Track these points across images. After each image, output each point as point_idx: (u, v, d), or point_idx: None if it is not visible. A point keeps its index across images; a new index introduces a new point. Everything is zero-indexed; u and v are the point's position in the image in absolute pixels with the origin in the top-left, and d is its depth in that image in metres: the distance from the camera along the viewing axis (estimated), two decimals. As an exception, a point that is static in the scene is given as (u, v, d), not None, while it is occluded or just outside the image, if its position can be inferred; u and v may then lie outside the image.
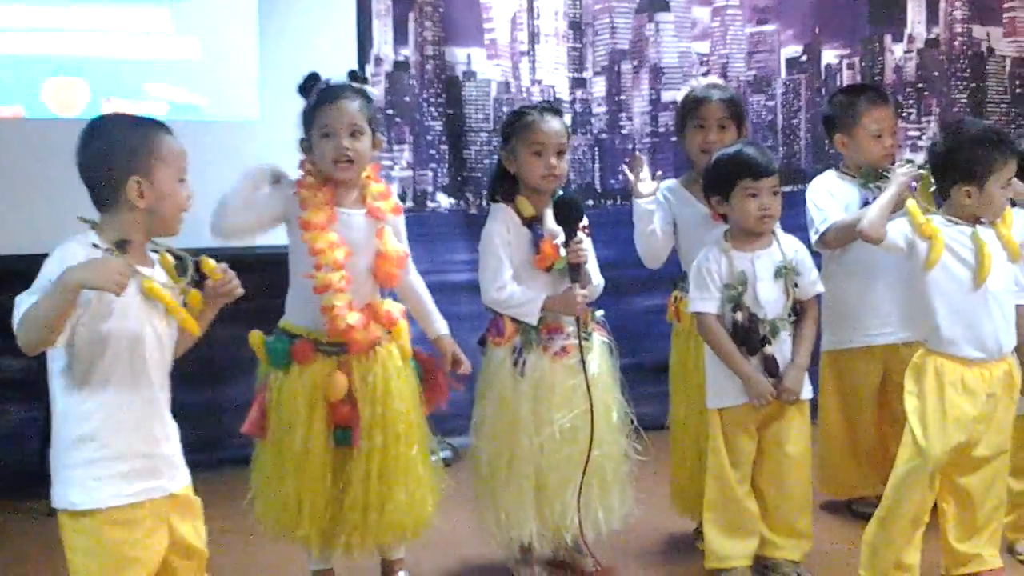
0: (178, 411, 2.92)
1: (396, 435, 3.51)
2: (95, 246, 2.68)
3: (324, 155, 3.47)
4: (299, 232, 3.47)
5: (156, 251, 2.86)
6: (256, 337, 3.55)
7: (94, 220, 2.77)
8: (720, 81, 4.70)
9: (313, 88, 3.54)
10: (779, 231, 3.83)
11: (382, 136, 3.66)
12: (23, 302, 2.54)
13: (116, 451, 2.67)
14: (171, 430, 2.84)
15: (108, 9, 5.01)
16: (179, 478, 2.82)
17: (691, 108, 4.07)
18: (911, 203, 3.54)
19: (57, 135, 4.95)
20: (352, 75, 3.64)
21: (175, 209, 2.80)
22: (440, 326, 3.78)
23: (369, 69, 5.61)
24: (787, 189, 4.07)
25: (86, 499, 2.65)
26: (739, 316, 3.69)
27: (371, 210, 3.57)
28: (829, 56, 6.46)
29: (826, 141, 6.31)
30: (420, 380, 3.68)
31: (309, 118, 3.51)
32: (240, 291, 2.87)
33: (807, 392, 3.78)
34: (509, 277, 3.70)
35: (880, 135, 4.29)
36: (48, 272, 2.59)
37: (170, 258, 2.85)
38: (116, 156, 2.76)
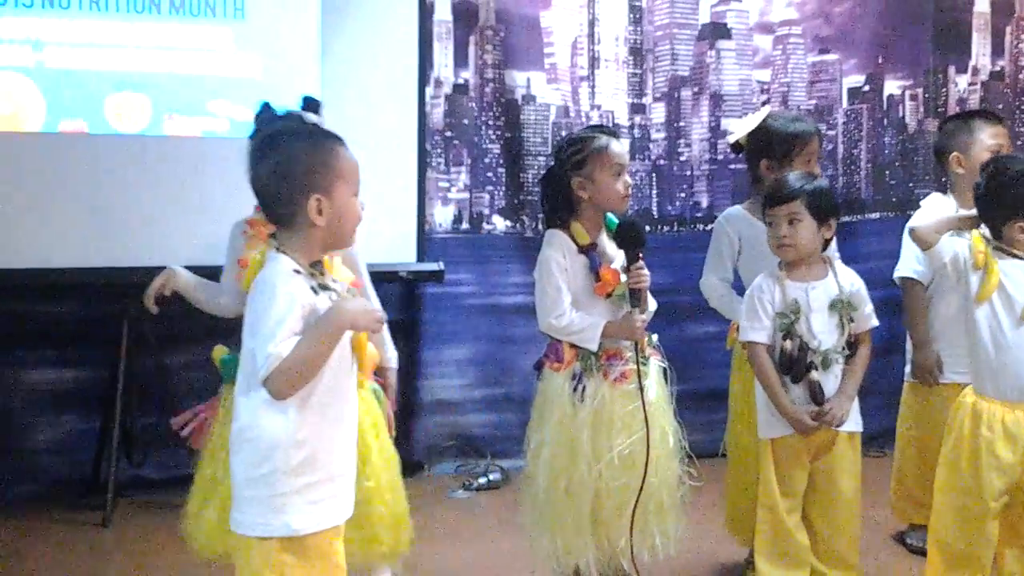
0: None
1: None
2: (297, 272, 2.61)
3: None
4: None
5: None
6: (217, 351, 3.65)
7: (276, 241, 2.68)
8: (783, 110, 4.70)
9: (262, 118, 3.54)
10: (837, 263, 3.80)
11: None
12: (275, 353, 2.48)
13: (328, 473, 2.65)
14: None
15: (171, 26, 5.06)
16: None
17: (800, 142, 4.08)
18: (978, 232, 3.51)
19: (119, 150, 5.05)
20: (307, 101, 3.73)
21: (352, 224, 2.73)
22: (391, 358, 3.84)
23: (429, 91, 5.63)
24: (846, 219, 4.05)
25: (307, 523, 2.61)
26: (788, 344, 3.67)
27: None
28: (892, 87, 6.41)
29: (886, 171, 6.36)
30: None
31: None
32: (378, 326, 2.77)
33: (856, 425, 3.74)
34: (568, 304, 3.68)
35: (999, 151, 4.26)
36: (280, 313, 2.52)
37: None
38: (295, 173, 2.64)
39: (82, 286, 5.09)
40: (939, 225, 3.59)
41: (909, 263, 4.36)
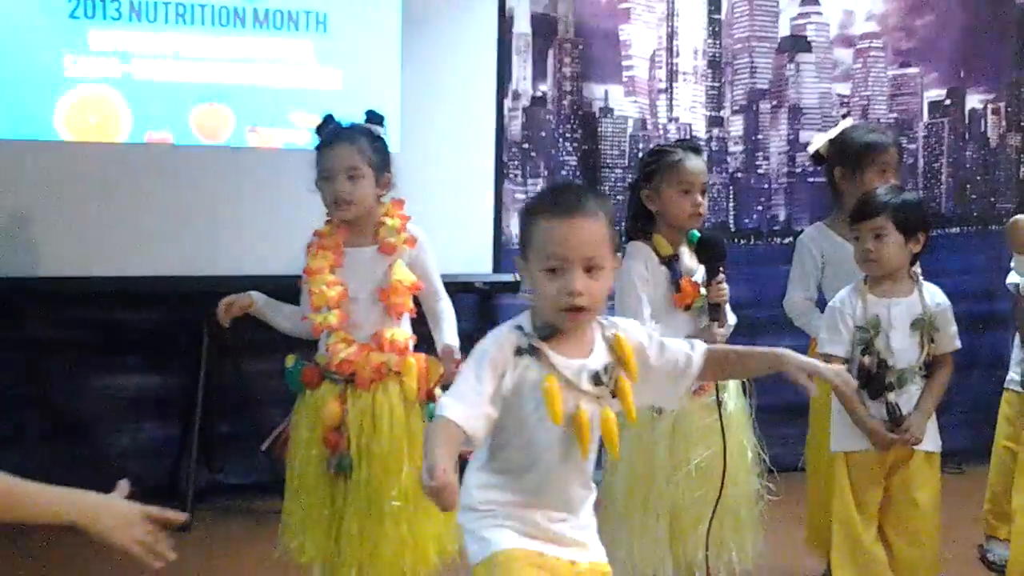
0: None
1: (383, 469, 3.53)
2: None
3: (324, 197, 3.59)
4: None
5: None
6: (288, 359, 3.69)
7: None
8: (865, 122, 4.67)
9: (324, 130, 3.65)
10: (926, 283, 3.76)
11: (390, 174, 3.67)
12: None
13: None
14: None
15: (255, 39, 5.13)
16: None
17: (873, 153, 4.05)
18: None
19: (202, 161, 5.13)
20: (370, 115, 3.74)
21: None
22: (448, 338, 3.71)
23: (507, 103, 5.65)
24: (928, 233, 3.99)
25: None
26: (867, 360, 3.63)
27: (383, 246, 3.63)
28: (973, 100, 6.34)
29: (967, 185, 6.29)
30: None
31: (316, 158, 3.62)
32: None
33: (935, 445, 3.70)
34: (648, 316, 3.68)
35: None
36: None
37: None
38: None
39: (165, 294, 5.17)
40: None
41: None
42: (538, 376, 2.41)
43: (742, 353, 2.70)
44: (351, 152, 3.57)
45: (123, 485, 2.20)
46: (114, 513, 2.09)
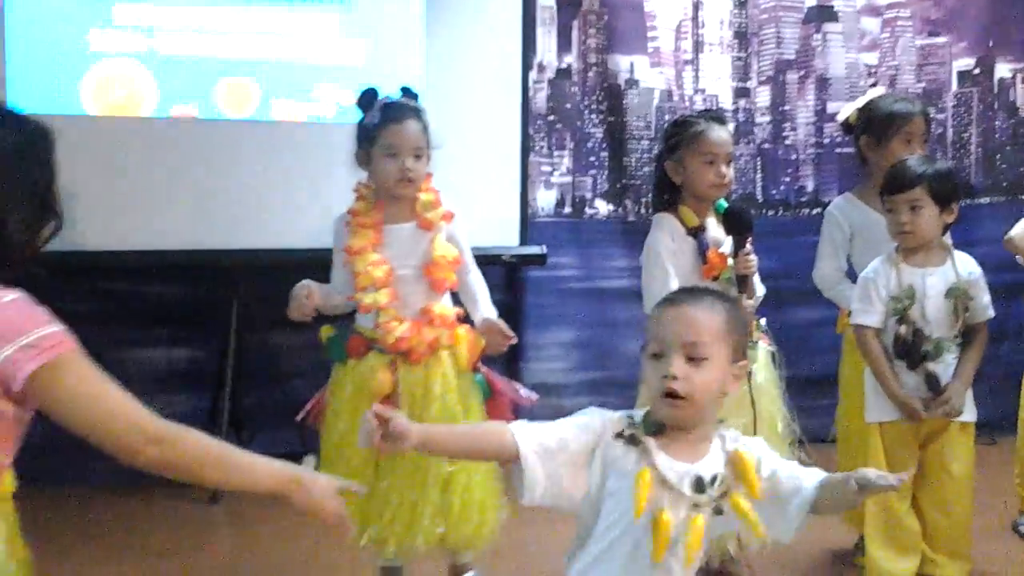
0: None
1: None
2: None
3: (387, 174, 3.54)
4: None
5: None
6: (324, 330, 3.67)
7: None
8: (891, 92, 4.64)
9: (373, 104, 3.60)
10: (957, 252, 3.73)
11: (430, 152, 3.66)
12: None
13: None
14: None
15: (279, 12, 5.12)
16: None
17: (899, 122, 4.02)
18: None
19: (227, 135, 5.13)
20: (406, 92, 3.70)
21: None
22: (485, 311, 3.71)
23: (532, 76, 5.63)
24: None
25: None
26: (903, 329, 3.62)
27: (421, 221, 3.62)
28: (1003, 70, 6.27)
29: (997, 156, 6.24)
30: (485, 399, 3.69)
31: (371, 134, 3.56)
32: None
33: (970, 415, 3.69)
34: (675, 288, 3.68)
35: None
36: None
37: None
38: None
39: (192, 267, 5.19)
40: None
41: None
42: (634, 466, 2.28)
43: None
44: (419, 130, 3.57)
45: (310, 459, 2.31)
46: (318, 485, 2.20)
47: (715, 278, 3.69)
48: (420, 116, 3.60)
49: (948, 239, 3.84)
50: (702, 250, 3.70)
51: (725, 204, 3.76)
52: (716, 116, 3.90)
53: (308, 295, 3.56)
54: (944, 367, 3.63)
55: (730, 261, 3.67)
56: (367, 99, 3.63)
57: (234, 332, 5.14)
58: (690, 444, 2.33)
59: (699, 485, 2.30)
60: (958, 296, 3.64)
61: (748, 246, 3.67)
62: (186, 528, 4.64)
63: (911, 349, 3.61)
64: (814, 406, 4.15)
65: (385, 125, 3.54)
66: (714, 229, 3.75)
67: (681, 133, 3.76)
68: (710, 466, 2.33)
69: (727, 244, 3.71)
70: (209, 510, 4.80)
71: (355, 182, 3.69)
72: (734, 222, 3.69)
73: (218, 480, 2.21)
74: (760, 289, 3.78)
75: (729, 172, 3.73)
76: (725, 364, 2.33)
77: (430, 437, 2.29)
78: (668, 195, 3.78)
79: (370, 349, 3.58)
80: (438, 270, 3.60)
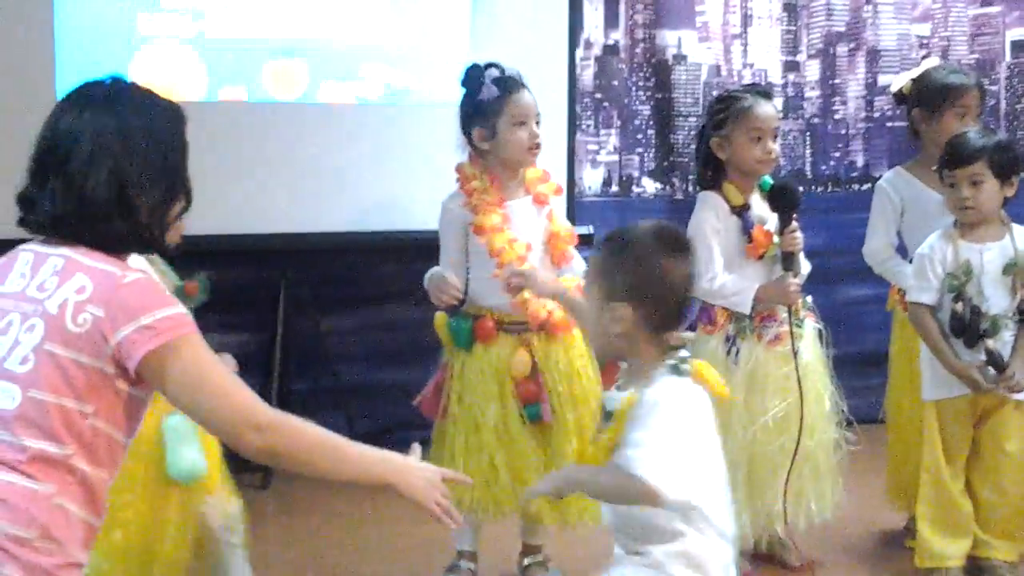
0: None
1: (589, 413, 3.52)
2: None
3: (518, 143, 3.56)
4: (472, 236, 3.57)
5: None
6: (440, 318, 3.64)
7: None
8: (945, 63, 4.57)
9: (481, 80, 3.61)
10: (1013, 224, 3.68)
11: None
12: None
13: None
14: None
15: (325, -7, 5.12)
16: None
17: (953, 94, 3.96)
18: None
19: (276, 117, 5.14)
20: (495, 67, 3.70)
21: None
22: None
23: (579, 53, 5.60)
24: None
25: None
26: (959, 307, 3.57)
27: (536, 196, 3.65)
28: (1057, 39, 6.17)
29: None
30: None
31: (493, 108, 3.57)
32: None
33: (1028, 394, 3.65)
34: (721, 267, 3.66)
35: None
36: None
37: None
38: None
39: (241, 252, 5.20)
40: None
41: None
42: None
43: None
44: (533, 99, 3.62)
45: (416, 448, 2.32)
46: (423, 476, 2.22)
47: (761, 256, 3.66)
48: (527, 86, 3.64)
49: (1006, 214, 3.79)
50: (747, 228, 3.67)
51: (771, 181, 3.73)
52: (762, 91, 3.87)
53: (449, 280, 3.54)
54: (1002, 344, 3.59)
55: (776, 238, 3.64)
56: (475, 75, 3.66)
57: (282, 317, 5.16)
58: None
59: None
60: (1017, 272, 3.59)
61: (794, 223, 3.64)
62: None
63: (968, 326, 3.57)
64: (863, 386, 4.13)
65: (508, 95, 3.58)
66: (759, 206, 3.72)
67: (727, 109, 3.73)
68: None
69: (773, 221, 3.68)
70: (259, 496, 4.83)
71: (456, 163, 3.70)
72: (780, 199, 3.66)
73: (326, 470, 2.20)
74: (806, 266, 3.75)
75: (775, 148, 3.70)
76: (598, 303, 2.47)
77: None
78: (713, 172, 3.76)
79: (499, 331, 3.58)
80: (560, 242, 3.66)
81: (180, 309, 2.09)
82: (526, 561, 3.82)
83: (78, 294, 2.04)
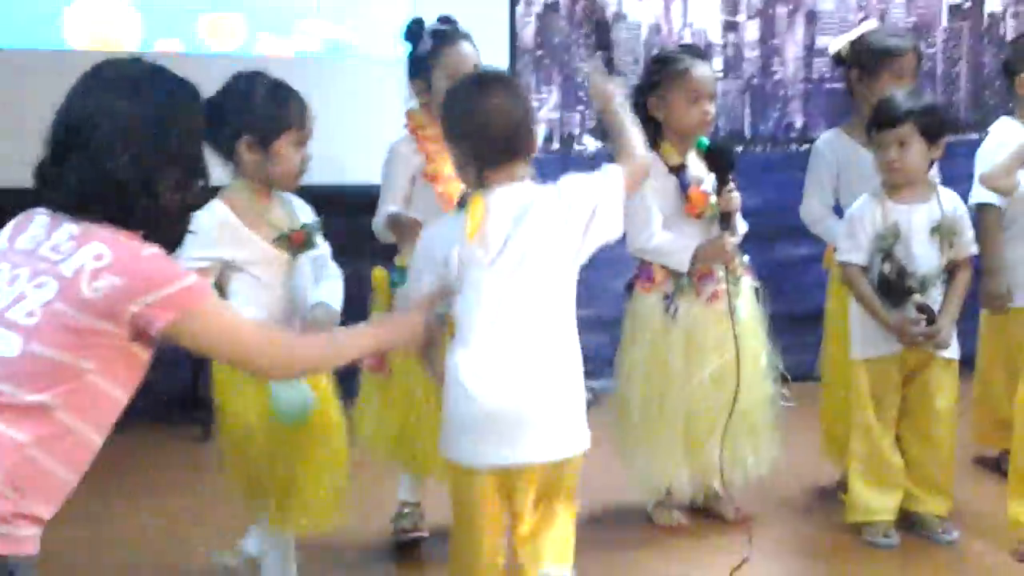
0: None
1: None
2: None
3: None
4: (418, 182, 3.54)
5: None
6: (379, 274, 3.62)
7: None
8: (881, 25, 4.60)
9: (421, 33, 3.60)
10: (940, 186, 3.73)
11: None
12: None
13: None
14: None
15: (265, -53, 5.06)
16: None
17: (890, 57, 3.98)
18: None
19: (213, 70, 5.06)
20: (445, 20, 3.68)
21: None
22: None
23: (519, 10, 5.58)
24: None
25: None
26: (887, 268, 3.61)
27: None
28: (993, 3, 6.23)
29: (986, 91, 6.21)
30: None
31: (429, 61, 3.55)
32: None
33: (953, 351, 3.70)
34: (659, 226, 3.67)
35: None
36: None
37: None
38: None
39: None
40: (1010, 164, 3.53)
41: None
42: None
43: None
44: (473, 50, 3.58)
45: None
46: (402, 328, 2.61)
47: (699, 215, 3.68)
48: (469, 38, 3.61)
49: (935, 175, 3.83)
50: (684, 188, 3.69)
51: (707, 141, 3.74)
52: (698, 52, 3.87)
53: (414, 218, 3.46)
54: (930, 303, 3.63)
55: (713, 198, 3.66)
56: (415, 30, 3.63)
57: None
58: None
59: None
60: (943, 233, 3.64)
61: (731, 183, 3.66)
62: (175, 468, 4.65)
63: (894, 287, 3.61)
64: (799, 343, 4.16)
65: (441, 48, 3.55)
66: (696, 166, 3.73)
67: (663, 70, 3.74)
68: None
69: (709, 181, 3.69)
70: (200, 447, 4.80)
71: (406, 110, 3.67)
72: (716, 159, 3.67)
73: (337, 364, 2.62)
74: (743, 226, 3.78)
75: (712, 109, 3.71)
76: None
77: None
78: (650, 132, 3.76)
79: None
80: None
81: (193, 279, 2.15)
82: None
83: (96, 260, 2.07)
